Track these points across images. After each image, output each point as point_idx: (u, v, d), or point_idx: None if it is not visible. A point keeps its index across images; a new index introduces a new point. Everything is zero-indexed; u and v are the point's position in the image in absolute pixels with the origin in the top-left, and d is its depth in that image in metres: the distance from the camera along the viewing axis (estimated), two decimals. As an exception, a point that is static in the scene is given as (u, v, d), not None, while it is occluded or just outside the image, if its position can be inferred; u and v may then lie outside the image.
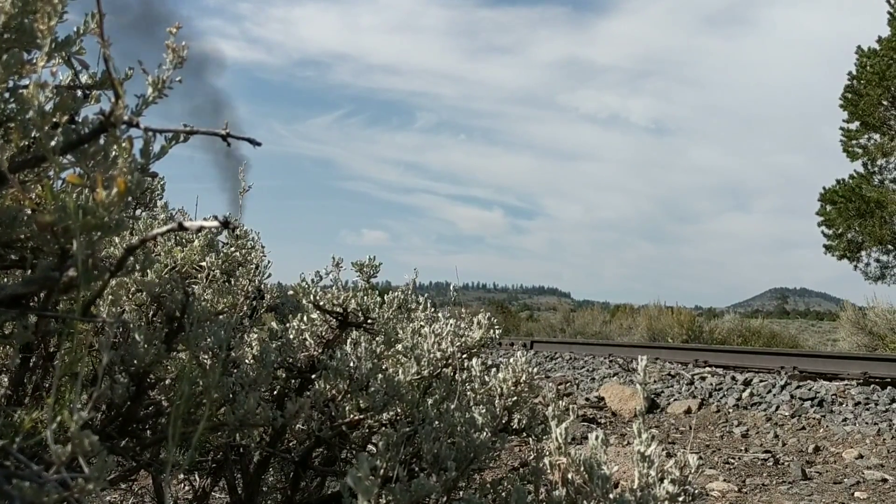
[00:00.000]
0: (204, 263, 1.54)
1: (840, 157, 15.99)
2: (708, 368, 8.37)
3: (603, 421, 6.53)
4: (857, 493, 4.29)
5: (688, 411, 6.74)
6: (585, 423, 6.22)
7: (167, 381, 1.05)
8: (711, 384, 7.42)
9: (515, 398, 1.17)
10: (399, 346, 1.30)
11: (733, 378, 7.50)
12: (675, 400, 7.06)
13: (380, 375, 1.14)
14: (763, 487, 4.49)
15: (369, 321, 1.29)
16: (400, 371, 1.17)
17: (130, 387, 0.96)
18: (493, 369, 1.23)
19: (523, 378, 1.19)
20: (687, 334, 18.09)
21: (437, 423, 1.08)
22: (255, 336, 1.37)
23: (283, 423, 1.02)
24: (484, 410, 1.12)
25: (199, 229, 0.82)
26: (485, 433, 1.08)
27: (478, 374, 1.22)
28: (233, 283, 1.50)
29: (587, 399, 7.15)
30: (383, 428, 1.12)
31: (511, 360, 1.23)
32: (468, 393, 1.21)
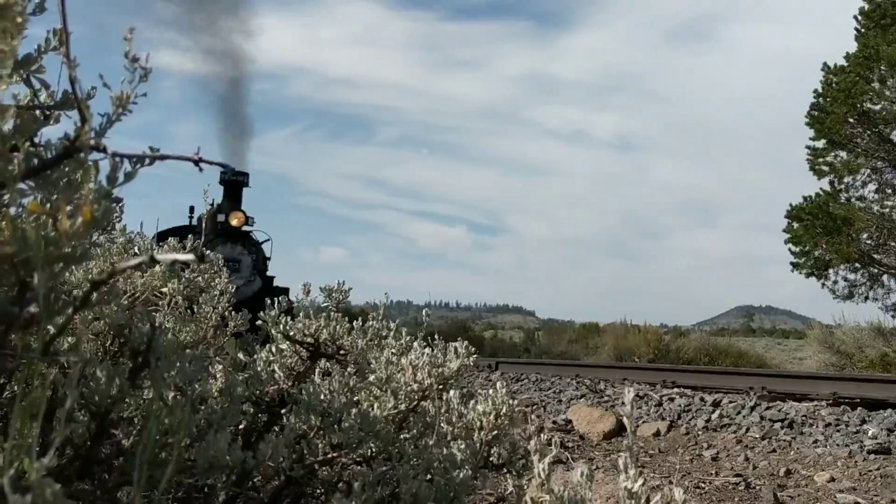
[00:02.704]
0: (165, 289, 1.51)
1: (806, 173, 16.25)
2: (676, 389, 8.43)
3: (571, 445, 6.53)
4: (829, 518, 4.34)
5: (657, 434, 6.77)
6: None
7: (131, 419, 1.02)
8: (680, 405, 7.47)
9: (496, 432, 1.15)
10: (372, 377, 1.28)
11: (702, 399, 7.56)
12: (644, 422, 7.09)
13: (354, 410, 1.12)
14: (735, 512, 4.51)
15: (342, 352, 1.26)
16: (375, 406, 1.15)
17: (91, 426, 0.92)
18: (472, 401, 1.21)
19: (504, 410, 1.17)
20: (654, 353, 18.23)
21: (414, 460, 1.06)
22: (220, 367, 1.34)
23: (255, 465, 1.00)
24: (463, 446, 1.10)
25: (173, 262, 0.79)
26: (465, 470, 1.07)
27: (456, 406, 1.20)
28: (196, 310, 1.46)
29: (555, 422, 7.15)
30: (358, 466, 1.10)
31: (490, 390, 1.21)
32: (445, 426, 1.18)
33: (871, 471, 5.12)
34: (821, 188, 16.17)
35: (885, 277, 15.95)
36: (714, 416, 6.99)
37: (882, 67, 14.99)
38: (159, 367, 0.91)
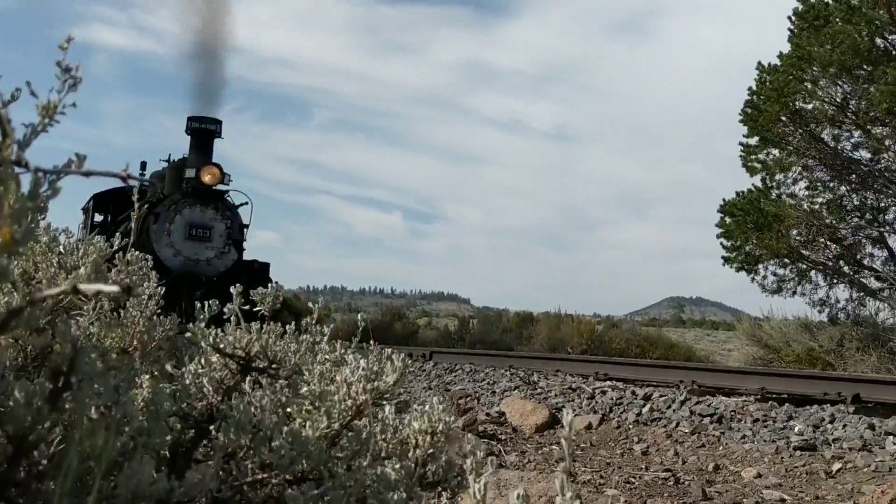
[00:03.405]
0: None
1: (739, 169, 16.56)
2: (609, 382, 8.53)
3: (504, 437, 6.57)
4: (755, 514, 4.44)
5: (589, 427, 6.84)
6: (486, 440, 6.24)
7: (51, 439, 0.97)
8: (612, 398, 7.56)
9: (431, 451, 1.13)
10: (305, 389, 1.25)
11: (633, 393, 7.67)
12: (577, 415, 7.16)
13: (285, 428, 1.09)
14: (664, 508, 4.58)
15: (273, 366, 1.23)
16: (308, 424, 1.12)
17: (7, 448, 0.88)
18: (407, 417, 1.19)
19: (440, 428, 1.16)
20: (587, 344, 18.46)
21: (348, 482, 1.04)
22: (147, 378, 1.29)
23: (184, 493, 0.96)
24: (398, 466, 1.08)
25: (97, 293, 0.76)
26: (400, 492, 1.05)
27: (391, 422, 1.18)
28: (122, 315, 1.41)
29: (488, 414, 7.18)
30: (289, 490, 1.06)
31: (427, 406, 1.20)
32: (380, 443, 1.16)
33: (796, 467, 5.25)
34: (753, 185, 16.51)
35: (812, 273, 16.37)
36: (645, 409, 7.09)
37: (814, 68, 15.34)
38: (82, 390, 0.87)
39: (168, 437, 1.07)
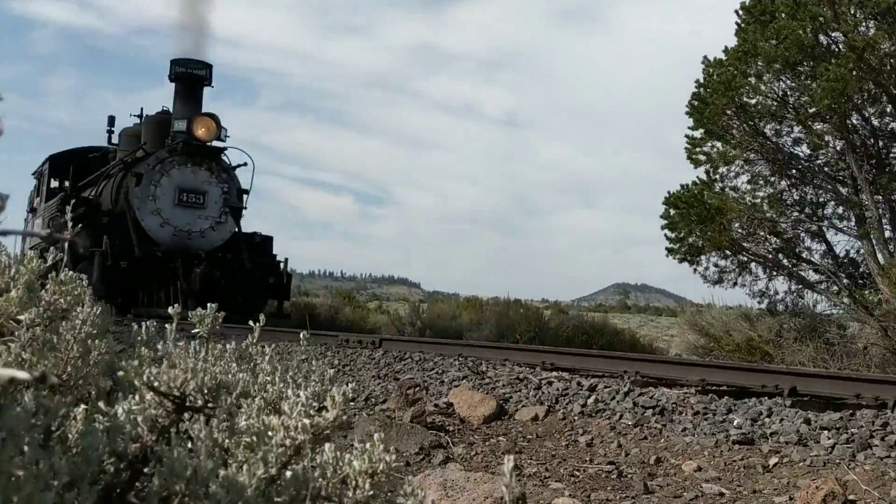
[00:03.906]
0: (23, 317, 1.39)
1: (685, 160, 16.74)
2: (555, 373, 8.57)
3: (451, 429, 6.57)
4: (695, 509, 4.49)
5: (535, 418, 6.87)
6: (433, 432, 6.22)
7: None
8: (558, 389, 7.59)
9: (372, 492, 1.10)
10: (244, 422, 1.21)
11: (579, 384, 7.70)
12: (523, 406, 7.19)
13: (222, 473, 1.05)
14: (607, 503, 4.62)
15: (210, 405, 1.19)
16: (244, 470, 1.08)
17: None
18: (347, 455, 1.16)
19: (381, 468, 1.12)
20: (534, 331, 18.57)
21: (286, 530, 1.01)
22: (81, 411, 1.24)
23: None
24: (338, 510, 1.05)
25: (11, 380, 0.71)
26: (339, 539, 1.02)
27: (331, 460, 1.14)
28: (56, 340, 1.35)
29: (436, 405, 7.17)
30: (227, 540, 1.03)
31: (367, 444, 1.16)
32: (319, 481, 1.13)
33: (735, 461, 5.33)
34: (697, 177, 16.70)
35: (753, 265, 16.65)
36: (590, 401, 7.13)
37: (759, 63, 15.54)
38: (6, 448, 0.82)
39: (100, 485, 1.02)
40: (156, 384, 1.13)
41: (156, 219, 19.50)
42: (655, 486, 4.96)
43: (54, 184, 25.50)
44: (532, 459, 5.62)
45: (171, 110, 21.31)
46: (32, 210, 27.61)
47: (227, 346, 1.61)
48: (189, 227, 19.71)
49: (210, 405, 1.16)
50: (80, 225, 18.51)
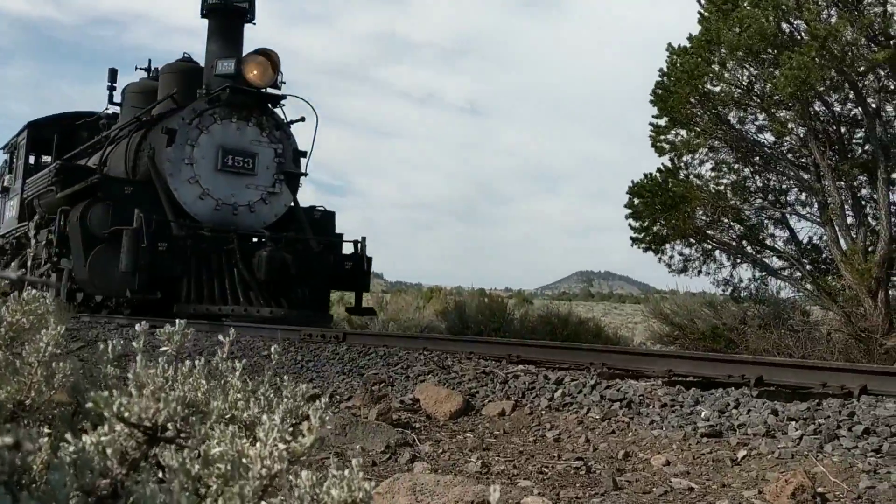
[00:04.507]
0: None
1: (649, 146, 16.87)
2: (521, 366, 8.59)
3: (418, 425, 6.56)
4: (665, 505, 4.52)
5: (502, 413, 6.88)
6: (399, 429, 6.21)
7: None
8: (525, 383, 7.61)
9: (351, 523, 1.08)
10: (217, 449, 1.18)
11: (546, 377, 7.73)
12: (489, 401, 7.19)
13: (195, 509, 1.02)
14: (576, 500, 4.63)
15: (182, 435, 1.16)
16: (220, 501, 1.05)
17: None
18: (325, 484, 1.13)
19: (360, 496, 1.10)
20: (499, 322, 18.62)
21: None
22: (45, 442, 1.20)
23: None
24: (315, 544, 1.03)
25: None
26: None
27: (307, 490, 1.12)
28: (18, 363, 1.31)
29: (402, 402, 7.15)
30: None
31: (346, 471, 1.14)
32: (296, 511, 1.10)
33: (703, 454, 5.37)
34: (662, 164, 16.83)
35: (717, 253, 16.84)
36: (557, 394, 7.16)
37: (723, 50, 15.68)
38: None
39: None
40: (126, 414, 1.10)
41: (193, 189, 15.70)
42: (624, 481, 4.99)
43: (34, 158, 22.66)
44: (500, 456, 5.62)
45: (191, 57, 18.16)
46: (3, 191, 24.38)
47: (197, 362, 1.58)
48: (234, 200, 15.98)
49: (183, 435, 1.14)
50: (96, 200, 15.54)
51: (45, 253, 18.60)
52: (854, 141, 16.07)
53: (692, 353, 9.95)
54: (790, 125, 15.86)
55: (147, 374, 1.31)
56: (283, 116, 16.64)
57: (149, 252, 13.94)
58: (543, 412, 6.79)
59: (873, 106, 15.14)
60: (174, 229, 14.88)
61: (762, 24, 14.72)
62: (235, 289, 14.72)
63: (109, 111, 21.79)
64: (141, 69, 20.76)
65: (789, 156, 16.48)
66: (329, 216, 17.75)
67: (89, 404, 1.04)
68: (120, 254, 14.08)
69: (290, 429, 1.17)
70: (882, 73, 14.88)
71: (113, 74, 20.97)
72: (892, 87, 15.02)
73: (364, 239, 16.58)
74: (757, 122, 16.67)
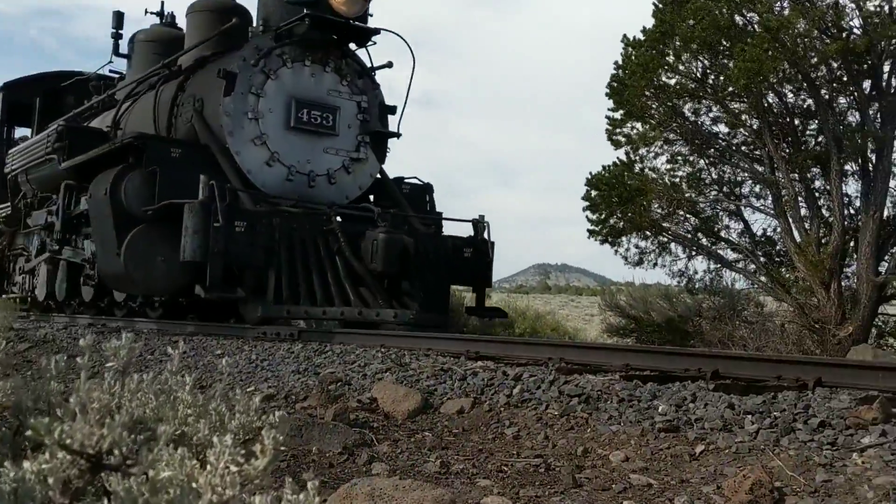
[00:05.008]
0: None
1: (603, 138, 16.98)
2: (479, 362, 8.59)
3: (376, 425, 6.53)
4: (624, 502, 4.55)
5: (460, 411, 6.88)
6: (357, 429, 6.17)
7: None
8: (483, 380, 7.61)
9: (308, 548, 1.05)
10: (165, 476, 1.15)
11: (504, 373, 7.74)
12: (448, 399, 7.19)
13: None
14: (536, 499, 4.64)
15: (128, 462, 1.12)
16: (171, 534, 1.02)
17: None
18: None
19: (317, 521, 1.08)
20: (458, 317, 18.63)
21: None
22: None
23: None
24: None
25: None
26: None
27: (262, 516, 1.09)
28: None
29: (359, 401, 7.12)
30: None
31: (301, 495, 1.11)
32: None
33: (661, 450, 5.42)
34: (618, 157, 16.95)
35: (672, 245, 17.02)
36: (515, 391, 7.16)
37: (677, 42, 15.83)
38: None
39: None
40: (68, 441, 1.06)
41: (258, 152, 12.21)
42: (584, 478, 5.01)
43: (19, 131, 19.45)
44: (459, 455, 5.62)
45: None
46: None
47: (145, 377, 1.54)
48: (310, 168, 12.60)
49: (129, 462, 1.10)
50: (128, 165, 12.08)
51: (37, 241, 16.25)
52: (807, 133, 16.33)
53: (649, 347, 10.05)
54: (744, 117, 16.07)
55: (91, 395, 1.27)
56: (370, 61, 13.09)
57: (224, 234, 10.53)
58: (502, 409, 6.80)
59: (826, 97, 15.40)
60: (247, 203, 11.37)
61: (716, 17, 14.89)
62: (342, 283, 11.56)
63: (102, 71, 18.46)
64: (152, 13, 16.99)
65: (743, 148, 16.71)
66: (423, 190, 14.26)
67: (29, 432, 1.00)
68: (171, 237, 11.02)
69: (243, 451, 1.14)
70: (834, 64, 15.13)
71: (119, 18, 17.33)
72: (845, 78, 15.27)
73: (484, 218, 13.49)
74: (711, 114, 16.89)
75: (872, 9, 14.57)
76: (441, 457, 5.50)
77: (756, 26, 15.18)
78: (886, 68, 14.83)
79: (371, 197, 13.68)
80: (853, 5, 14.74)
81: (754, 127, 15.92)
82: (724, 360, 7.83)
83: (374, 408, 6.95)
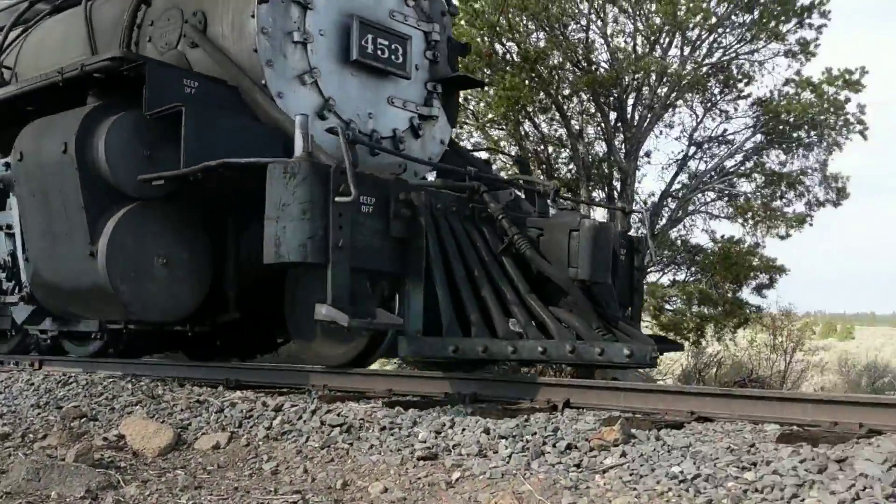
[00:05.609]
0: None
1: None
2: (239, 392, 8.38)
3: (123, 465, 6.18)
4: (381, 536, 4.58)
5: (216, 446, 6.65)
6: (102, 470, 5.82)
7: None
8: (242, 411, 7.42)
9: None
10: None
11: (265, 403, 7.58)
12: (203, 433, 6.93)
13: None
14: (292, 539, 4.57)
15: None
16: None
17: None
18: None
19: None
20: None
21: None
22: None
23: None
24: None
25: None
26: None
27: None
28: None
29: (105, 439, 6.71)
30: None
31: None
32: None
33: (420, 478, 5.48)
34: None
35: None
36: (276, 422, 7.03)
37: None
38: None
39: None
40: None
41: (308, 96, 8.04)
42: (342, 513, 4.99)
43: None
44: (213, 495, 5.42)
45: None
46: None
47: None
48: (372, 126, 8.58)
49: None
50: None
51: None
52: (560, 160, 17.28)
53: (412, 373, 10.19)
54: (502, 143, 16.79)
55: None
56: None
57: (353, 218, 6.78)
58: (261, 443, 6.65)
59: (577, 127, 16.39)
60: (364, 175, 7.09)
61: (477, 44, 15.46)
62: (525, 301, 7.71)
63: None
64: None
65: (501, 172, 17.43)
66: (487, 166, 10.52)
67: None
68: (181, 224, 7.97)
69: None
70: (584, 96, 16.15)
71: None
72: (593, 109, 16.34)
73: (646, 204, 10.56)
74: (473, 140, 17.48)
75: (619, 45, 15.73)
76: (193, 497, 5.29)
77: (515, 56, 15.93)
78: (630, 101, 16.01)
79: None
80: (602, 41, 15.84)
81: (511, 154, 16.66)
82: (482, 383, 8.08)
83: (121, 445, 6.57)
